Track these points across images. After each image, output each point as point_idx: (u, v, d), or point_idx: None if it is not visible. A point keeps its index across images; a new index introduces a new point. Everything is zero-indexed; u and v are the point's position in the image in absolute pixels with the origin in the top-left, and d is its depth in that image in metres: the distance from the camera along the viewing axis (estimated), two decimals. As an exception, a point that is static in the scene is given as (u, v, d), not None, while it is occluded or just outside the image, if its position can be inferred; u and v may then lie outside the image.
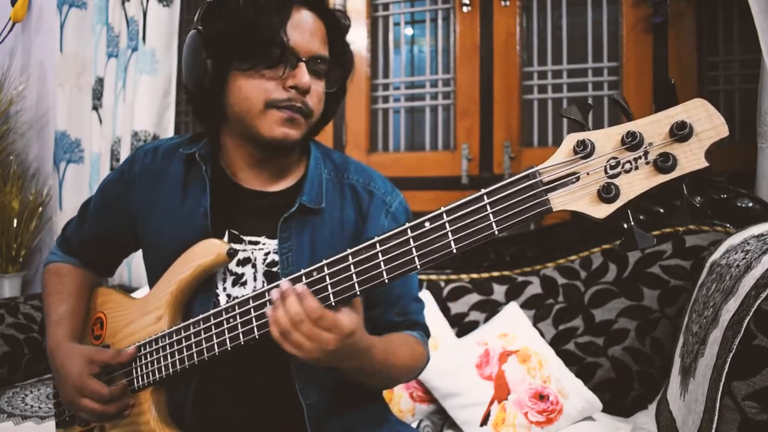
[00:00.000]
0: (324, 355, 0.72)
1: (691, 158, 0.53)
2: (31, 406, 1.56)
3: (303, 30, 0.84)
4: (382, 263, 0.69)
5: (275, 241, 0.90)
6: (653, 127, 0.55)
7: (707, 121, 0.53)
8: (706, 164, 0.53)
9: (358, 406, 0.96)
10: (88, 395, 0.90)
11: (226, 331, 0.82)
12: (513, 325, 1.50)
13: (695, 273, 1.34)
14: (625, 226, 0.57)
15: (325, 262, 0.73)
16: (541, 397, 1.35)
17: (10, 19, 2.38)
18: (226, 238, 0.92)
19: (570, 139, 0.59)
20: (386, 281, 0.69)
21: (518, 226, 0.62)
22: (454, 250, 0.64)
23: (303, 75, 0.83)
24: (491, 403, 1.35)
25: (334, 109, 0.98)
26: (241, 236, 0.92)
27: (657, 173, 0.54)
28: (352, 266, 0.71)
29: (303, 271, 0.75)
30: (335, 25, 0.90)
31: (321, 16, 0.88)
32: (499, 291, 1.64)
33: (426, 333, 1.00)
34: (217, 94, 0.87)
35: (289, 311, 0.71)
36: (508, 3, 1.96)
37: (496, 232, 0.62)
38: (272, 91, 0.83)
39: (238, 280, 0.92)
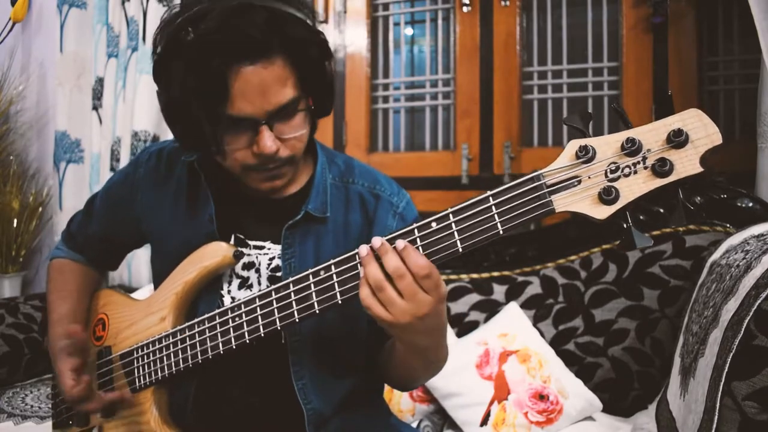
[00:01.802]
0: (413, 319, 0.67)
1: (686, 164, 0.57)
2: (31, 406, 1.56)
3: (250, 95, 0.75)
4: (420, 247, 0.69)
5: (279, 247, 0.91)
6: (651, 134, 0.59)
7: (702, 130, 0.57)
8: (701, 170, 0.57)
9: (358, 408, 0.96)
10: (63, 390, 0.91)
11: (231, 330, 0.82)
12: (513, 325, 1.50)
13: (695, 273, 1.34)
14: (624, 226, 0.60)
15: (332, 261, 0.74)
16: (541, 397, 1.35)
17: (10, 19, 2.38)
18: (232, 242, 0.92)
19: (572, 145, 0.62)
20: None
21: (522, 226, 0.64)
22: (460, 250, 0.67)
23: (265, 141, 0.77)
24: (491, 403, 1.35)
25: (328, 106, 0.90)
26: (247, 240, 0.92)
27: (655, 177, 0.58)
28: (359, 265, 0.72)
29: (310, 271, 0.75)
30: (293, 50, 0.78)
31: (269, 57, 0.75)
32: (499, 291, 1.64)
33: None
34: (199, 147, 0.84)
35: (388, 265, 0.66)
36: (508, 3, 1.96)
37: (501, 232, 0.65)
38: (243, 158, 0.80)
39: (244, 284, 0.92)
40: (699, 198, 1.45)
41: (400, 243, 0.67)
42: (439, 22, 2.14)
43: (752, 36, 1.39)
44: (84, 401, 0.92)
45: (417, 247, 0.68)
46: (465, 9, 2.01)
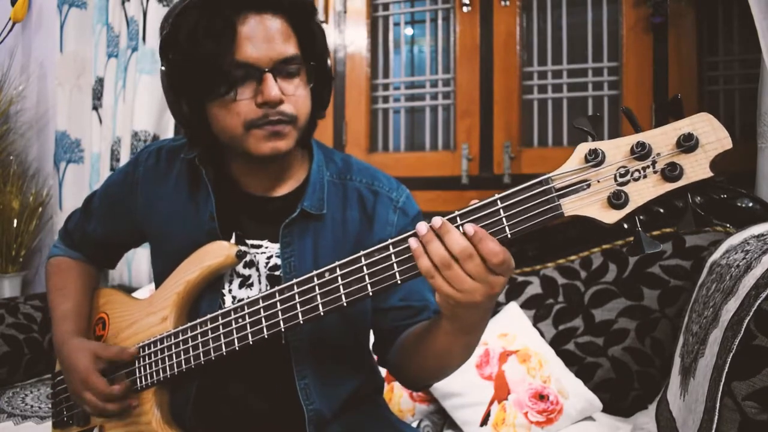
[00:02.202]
0: (485, 298, 0.65)
1: (696, 168, 0.57)
2: (31, 406, 1.56)
3: (256, 40, 0.78)
4: (395, 264, 0.70)
5: (277, 245, 0.90)
6: (661, 138, 0.58)
7: (712, 134, 0.56)
8: (711, 174, 0.56)
9: (359, 409, 0.96)
10: (91, 390, 0.91)
11: (234, 332, 0.82)
12: (513, 325, 1.50)
13: (695, 273, 1.34)
14: (633, 231, 0.60)
15: (337, 264, 0.74)
16: (541, 397, 1.35)
17: (10, 19, 2.38)
18: (233, 240, 0.92)
19: (581, 148, 0.61)
20: (399, 282, 0.70)
21: (530, 230, 0.63)
22: None
23: (269, 88, 0.79)
24: (491, 403, 1.35)
25: (326, 99, 0.93)
26: (245, 239, 0.92)
27: (664, 182, 0.57)
28: (365, 267, 0.72)
29: (314, 272, 0.75)
30: (296, 12, 0.83)
31: (275, 12, 0.81)
32: (499, 291, 1.64)
33: None
34: (202, 124, 0.86)
35: (453, 245, 0.64)
36: (508, 3, 1.96)
37: (509, 236, 0.64)
38: (246, 112, 0.81)
39: (245, 282, 0.92)
40: (699, 198, 1.45)
41: (470, 228, 0.64)
42: (439, 22, 2.14)
43: (752, 36, 1.39)
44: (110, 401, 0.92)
45: None
46: (465, 9, 2.01)
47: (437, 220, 0.66)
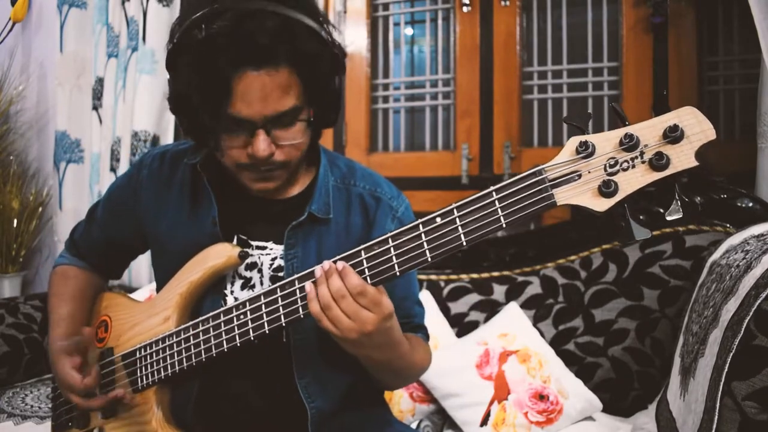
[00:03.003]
0: (360, 336, 0.72)
1: (682, 158, 0.59)
2: (31, 406, 1.56)
3: (250, 99, 0.76)
4: (394, 257, 0.72)
5: (282, 247, 0.91)
6: (648, 130, 0.61)
7: (697, 126, 0.59)
8: (696, 163, 0.59)
9: (360, 409, 0.96)
10: (69, 389, 0.92)
11: (236, 329, 0.83)
12: (513, 325, 1.50)
13: (695, 273, 1.34)
14: (623, 220, 0.62)
15: (338, 257, 0.75)
16: (541, 397, 1.35)
17: (10, 19, 2.38)
18: (235, 242, 0.92)
19: (573, 141, 0.64)
20: (398, 274, 0.72)
21: (524, 219, 0.66)
22: (464, 244, 0.68)
23: (259, 144, 0.79)
24: (491, 403, 1.35)
25: (332, 120, 0.91)
26: (249, 241, 0.93)
27: (652, 171, 0.60)
28: (364, 261, 0.74)
29: (316, 267, 0.76)
30: (298, 61, 0.78)
31: (276, 66, 0.76)
32: (499, 291, 1.64)
33: (426, 336, 1.00)
34: (202, 134, 0.86)
35: (332, 286, 0.72)
36: (508, 3, 1.96)
37: (504, 225, 0.67)
38: (237, 157, 0.82)
39: (247, 284, 0.92)
40: (699, 198, 1.45)
41: (340, 264, 0.72)
42: (439, 22, 2.14)
43: (752, 36, 1.39)
44: (90, 396, 0.92)
45: (422, 243, 0.70)
46: (465, 9, 2.01)
47: (326, 264, 0.73)
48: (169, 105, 0.87)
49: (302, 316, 0.78)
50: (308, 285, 0.74)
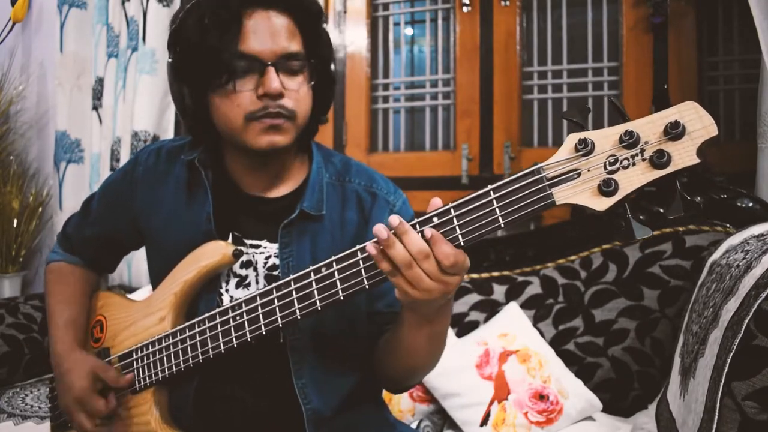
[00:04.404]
0: (441, 295, 0.69)
1: (684, 155, 0.57)
2: (31, 406, 1.56)
3: (261, 33, 0.81)
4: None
5: (276, 245, 0.91)
6: (649, 127, 0.59)
7: (698, 122, 0.57)
8: (698, 161, 0.57)
9: (359, 409, 0.96)
10: (88, 411, 0.91)
11: (232, 329, 0.82)
12: (513, 325, 1.50)
13: (695, 273, 1.34)
14: (624, 219, 0.61)
15: (333, 258, 0.74)
16: (541, 397, 1.35)
17: (10, 19, 2.38)
18: (229, 240, 0.92)
19: (571, 138, 0.62)
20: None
21: (523, 219, 0.65)
22: (462, 243, 0.67)
23: (270, 81, 0.80)
24: (491, 403, 1.35)
25: (327, 101, 0.94)
26: (243, 239, 0.93)
27: (653, 169, 0.58)
28: (361, 261, 0.73)
29: (311, 268, 0.76)
30: (303, 12, 0.85)
31: (282, 10, 0.83)
32: (499, 291, 1.64)
33: None
34: (203, 115, 0.88)
35: (412, 246, 0.66)
36: (508, 3, 1.96)
37: (502, 225, 0.65)
38: (247, 104, 0.82)
39: (242, 282, 0.92)
40: (699, 198, 1.45)
41: (428, 231, 0.67)
42: (439, 22, 2.14)
43: (752, 36, 1.39)
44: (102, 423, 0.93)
45: None
46: (465, 9, 2.01)
47: (395, 220, 0.67)
48: (171, 75, 0.87)
49: (299, 317, 0.77)
50: (371, 246, 0.69)
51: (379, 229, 0.67)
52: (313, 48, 0.86)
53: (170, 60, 0.87)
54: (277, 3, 0.82)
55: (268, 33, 0.81)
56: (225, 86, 0.81)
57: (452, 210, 0.67)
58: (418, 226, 0.68)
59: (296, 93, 0.84)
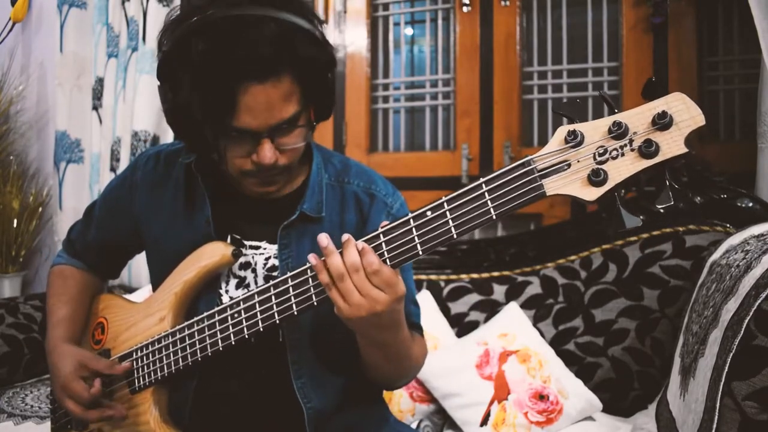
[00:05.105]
0: (369, 315, 0.71)
1: (672, 145, 0.58)
2: (31, 406, 1.56)
3: (256, 110, 0.76)
4: (385, 252, 0.72)
5: (275, 246, 0.91)
6: (637, 117, 0.60)
7: (686, 112, 0.58)
8: (686, 150, 0.58)
9: (358, 408, 0.96)
10: (69, 396, 0.91)
11: (230, 327, 0.83)
12: (513, 325, 1.50)
13: (695, 273, 1.34)
14: (613, 208, 0.62)
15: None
16: (541, 397, 1.35)
17: (10, 19, 2.38)
18: (229, 242, 0.92)
19: (561, 131, 0.63)
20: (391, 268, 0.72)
21: (514, 210, 0.66)
22: (455, 235, 0.68)
23: (265, 152, 0.79)
24: (491, 403, 1.35)
25: (327, 112, 0.90)
26: (243, 240, 0.93)
27: (642, 159, 0.60)
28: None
29: (308, 265, 0.76)
30: (302, 68, 0.78)
31: (278, 76, 0.76)
32: (499, 291, 1.64)
33: (422, 336, 1.00)
34: (198, 140, 0.84)
35: (347, 258, 0.71)
36: (508, 3, 1.96)
37: (494, 217, 0.66)
38: (241, 164, 0.82)
39: (241, 283, 0.93)
40: (699, 198, 1.45)
41: (360, 243, 0.72)
42: (439, 22, 2.14)
43: (752, 36, 1.39)
44: (90, 407, 0.92)
45: (413, 237, 0.70)
46: (465, 9, 2.01)
47: (344, 236, 0.72)
48: (165, 116, 0.84)
49: (296, 312, 0.78)
50: (312, 257, 0.73)
51: (322, 237, 0.72)
52: (312, 89, 0.82)
53: (159, 89, 0.81)
54: (273, 72, 0.75)
55: (264, 107, 0.76)
56: (218, 147, 0.80)
57: (445, 204, 0.68)
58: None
59: (291, 148, 0.83)
